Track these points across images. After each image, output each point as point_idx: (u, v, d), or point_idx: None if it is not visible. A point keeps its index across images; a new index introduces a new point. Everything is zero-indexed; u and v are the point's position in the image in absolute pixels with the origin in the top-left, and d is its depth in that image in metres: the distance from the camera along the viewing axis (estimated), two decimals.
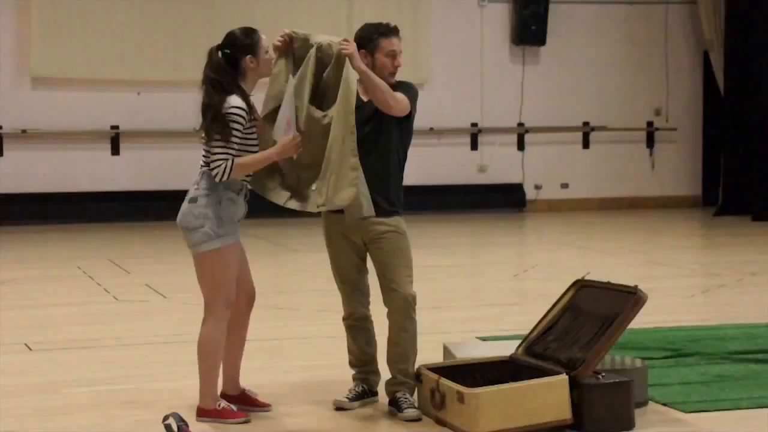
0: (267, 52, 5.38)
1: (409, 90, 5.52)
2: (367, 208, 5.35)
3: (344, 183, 5.23)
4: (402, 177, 5.62)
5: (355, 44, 5.38)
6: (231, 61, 5.34)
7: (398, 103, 5.40)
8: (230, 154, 5.23)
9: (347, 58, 5.29)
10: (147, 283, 9.76)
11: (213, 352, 5.35)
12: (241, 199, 5.38)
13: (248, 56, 5.32)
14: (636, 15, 16.94)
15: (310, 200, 5.37)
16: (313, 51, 5.38)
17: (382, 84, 5.37)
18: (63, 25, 14.69)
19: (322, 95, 5.40)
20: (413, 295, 5.52)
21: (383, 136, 5.47)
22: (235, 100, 5.25)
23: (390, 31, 5.54)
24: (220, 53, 5.35)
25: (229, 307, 5.36)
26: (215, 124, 5.22)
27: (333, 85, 5.33)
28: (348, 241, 5.56)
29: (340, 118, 5.24)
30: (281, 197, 5.48)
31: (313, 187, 5.34)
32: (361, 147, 5.30)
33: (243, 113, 5.24)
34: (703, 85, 17.18)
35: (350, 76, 5.27)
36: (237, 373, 5.56)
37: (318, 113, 5.34)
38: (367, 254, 5.60)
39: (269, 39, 5.44)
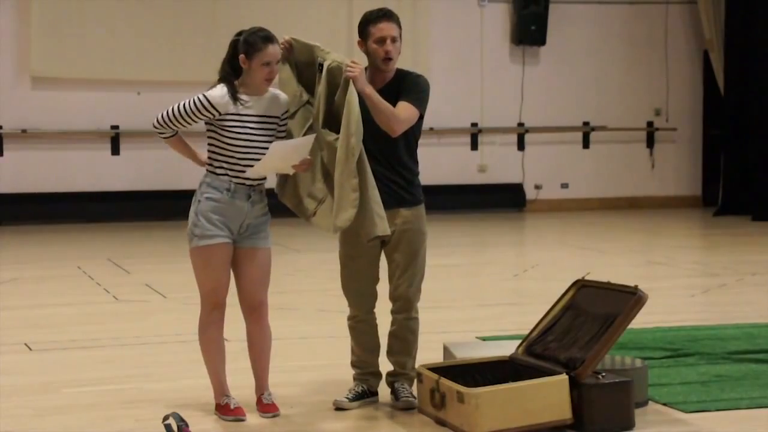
0: (268, 63, 5.27)
1: (419, 92, 5.41)
2: (381, 226, 5.29)
3: (345, 204, 5.22)
4: None
5: (361, 66, 5.27)
6: (232, 54, 5.34)
7: (401, 123, 5.32)
8: (172, 122, 5.40)
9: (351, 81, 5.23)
10: (147, 283, 9.76)
11: (204, 349, 5.46)
12: (235, 199, 5.30)
13: (242, 55, 5.29)
14: (636, 15, 16.94)
15: (329, 223, 5.36)
16: (324, 75, 5.34)
17: (387, 108, 5.28)
18: (63, 25, 14.70)
19: (333, 118, 5.37)
20: (419, 293, 5.62)
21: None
22: (213, 91, 5.28)
23: (379, 17, 5.41)
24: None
25: (216, 309, 5.39)
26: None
27: (341, 107, 5.30)
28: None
29: (342, 139, 5.23)
30: (305, 212, 5.49)
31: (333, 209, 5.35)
32: (391, 141, 5.33)
33: (203, 103, 5.27)
34: (703, 85, 17.19)
35: (352, 98, 5.23)
36: (257, 377, 5.56)
37: (331, 136, 5.33)
38: (382, 252, 5.60)
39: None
